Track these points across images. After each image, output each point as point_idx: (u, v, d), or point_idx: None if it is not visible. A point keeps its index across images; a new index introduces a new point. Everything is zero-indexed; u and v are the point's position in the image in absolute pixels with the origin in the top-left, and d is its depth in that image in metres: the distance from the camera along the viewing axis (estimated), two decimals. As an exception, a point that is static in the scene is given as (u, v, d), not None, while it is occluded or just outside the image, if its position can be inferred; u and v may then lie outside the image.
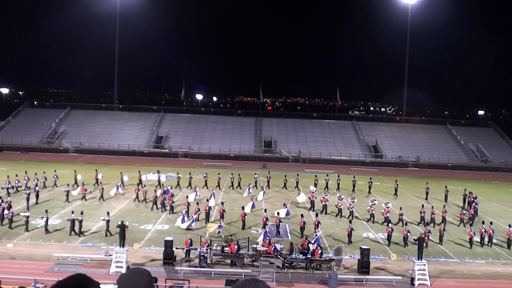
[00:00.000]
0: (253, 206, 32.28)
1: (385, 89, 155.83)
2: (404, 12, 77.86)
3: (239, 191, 39.50)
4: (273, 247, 22.43)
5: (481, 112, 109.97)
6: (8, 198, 29.49)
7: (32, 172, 38.15)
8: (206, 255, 22.02)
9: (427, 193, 40.01)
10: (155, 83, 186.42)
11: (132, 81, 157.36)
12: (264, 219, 27.76)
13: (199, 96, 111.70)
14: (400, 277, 21.58)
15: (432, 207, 32.28)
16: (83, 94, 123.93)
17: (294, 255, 22.54)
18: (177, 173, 41.15)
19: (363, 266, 21.59)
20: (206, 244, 22.51)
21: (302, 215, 28.37)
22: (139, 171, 40.92)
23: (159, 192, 33.44)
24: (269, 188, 40.85)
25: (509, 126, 79.93)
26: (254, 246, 23.13)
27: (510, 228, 26.80)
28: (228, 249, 22.33)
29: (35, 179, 36.04)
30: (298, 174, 43.37)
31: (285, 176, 43.06)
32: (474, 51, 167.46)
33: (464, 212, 33.32)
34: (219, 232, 26.11)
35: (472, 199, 35.38)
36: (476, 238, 27.23)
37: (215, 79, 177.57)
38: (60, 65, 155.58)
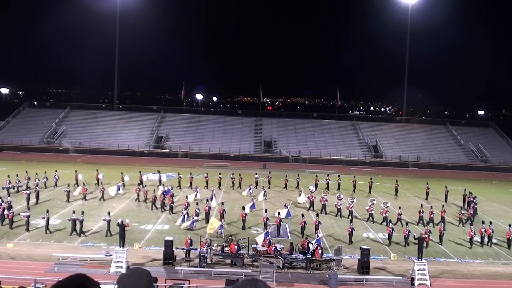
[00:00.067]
0: (253, 206, 32.27)
1: (385, 89, 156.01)
2: (404, 12, 77.92)
3: (239, 191, 39.48)
4: (273, 247, 22.44)
5: (481, 112, 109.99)
6: (8, 198, 29.48)
7: (33, 172, 38.16)
8: (206, 255, 22.02)
9: (427, 193, 40.01)
10: (155, 83, 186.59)
11: (132, 81, 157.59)
12: (265, 219, 27.77)
13: (199, 96, 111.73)
14: (400, 277, 21.58)
15: (431, 207, 32.28)
16: (83, 94, 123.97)
17: (294, 255, 22.54)
18: (178, 173, 41.18)
19: (363, 266, 21.59)
20: (206, 244, 22.52)
21: (302, 215, 28.39)
22: (140, 171, 40.96)
23: (160, 191, 33.50)
24: (269, 188, 40.88)
25: (509, 126, 79.90)
26: (254, 246, 23.13)
27: (510, 228, 26.81)
28: (228, 249, 22.34)
29: (36, 179, 36.05)
30: (298, 174, 43.38)
31: (286, 176, 43.08)
32: (474, 51, 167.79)
33: (463, 212, 33.32)
34: (220, 232, 26.08)
35: (472, 199, 35.39)
36: (476, 238, 27.24)
37: (215, 79, 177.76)
38: (60, 65, 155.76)
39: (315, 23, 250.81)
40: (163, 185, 35.20)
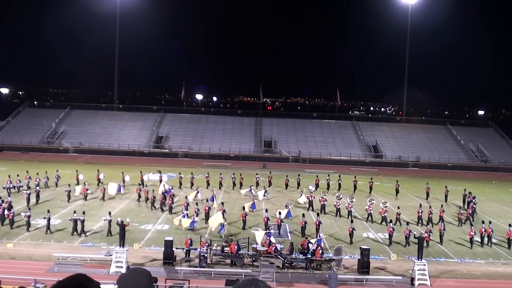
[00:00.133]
0: (253, 206, 32.29)
1: (385, 89, 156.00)
2: (404, 12, 77.91)
3: (240, 191, 39.43)
4: (274, 247, 22.44)
5: (481, 112, 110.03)
6: (9, 198, 29.46)
7: (34, 172, 38.16)
8: (206, 255, 22.02)
9: (427, 193, 40.00)
10: (155, 83, 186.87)
11: (132, 81, 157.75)
12: (265, 219, 27.76)
13: (199, 96, 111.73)
14: (400, 277, 21.58)
15: (430, 206, 32.29)
16: (83, 94, 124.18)
17: (294, 255, 22.54)
18: (179, 173, 41.18)
19: (363, 266, 21.59)
20: (206, 244, 22.52)
21: (303, 215, 28.41)
22: (140, 171, 40.98)
23: (160, 190, 33.54)
24: (270, 187, 40.88)
25: (509, 126, 79.94)
26: (254, 246, 23.14)
27: (510, 228, 26.81)
28: (228, 249, 22.34)
29: (37, 179, 36.04)
30: (299, 174, 43.38)
31: (287, 176, 43.10)
32: (474, 51, 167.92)
33: (461, 212, 33.30)
34: (222, 231, 26.02)
35: (471, 199, 35.41)
36: (477, 238, 27.24)
37: (215, 79, 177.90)
38: (60, 65, 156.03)
39: (315, 23, 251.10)
40: (164, 185, 35.26)
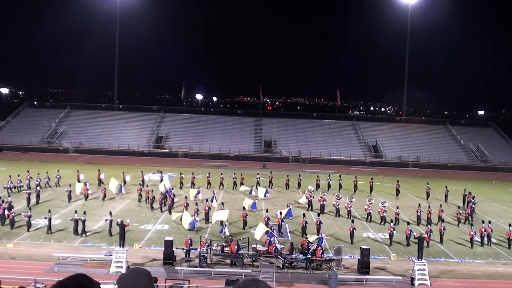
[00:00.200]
0: (254, 206, 32.30)
1: (385, 89, 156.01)
2: (404, 12, 77.90)
3: (241, 191, 39.42)
4: (274, 247, 22.44)
5: (481, 112, 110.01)
6: (9, 198, 29.45)
7: (34, 172, 38.16)
8: (206, 255, 22.02)
9: (427, 193, 40.00)
10: (155, 83, 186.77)
11: (132, 81, 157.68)
12: (266, 219, 27.73)
13: (199, 96, 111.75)
14: (400, 277, 21.58)
15: (429, 206, 32.30)
16: (83, 94, 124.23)
17: (294, 255, 22.54)
18: (180, 173, 41.18)
19: (363, 266, 21.59)
20: (206, 244, 22.52)
21: (304, 215, 28.41)
22: (141, 171, 40.98)
23: (161, 189, 33.54)
24: (271, 188, 40.91)
25: (509, 126, 79.95)
26: (254, 246, 23.14)
27: (510, 228, 26.81)
28: (228, 249, 22.34)
29: (38, 179, 36.03)
30: (300, 175, 43.37)
31: (287, 176, 43.10)
32: (474, 51, 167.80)
33: (460, 212, 33.31)
34: (224, 231, 26.02)
35: (470, 199, 35.43)
36: (477, 238, 27.24)
37: (215, 79, 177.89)
38: (60, 65, 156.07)
39: (315, 23, 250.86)
40: (165, 185, 35.30)
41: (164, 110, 77.50)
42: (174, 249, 22.00)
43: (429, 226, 27.39)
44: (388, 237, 26.97)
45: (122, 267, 20.37)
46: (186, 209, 28.93)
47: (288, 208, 30.76)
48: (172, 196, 32.43)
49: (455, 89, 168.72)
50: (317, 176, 43.43)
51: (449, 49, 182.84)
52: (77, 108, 75.37)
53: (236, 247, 22.17)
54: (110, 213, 26.53)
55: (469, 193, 36.96)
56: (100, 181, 38.41)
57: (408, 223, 28.02)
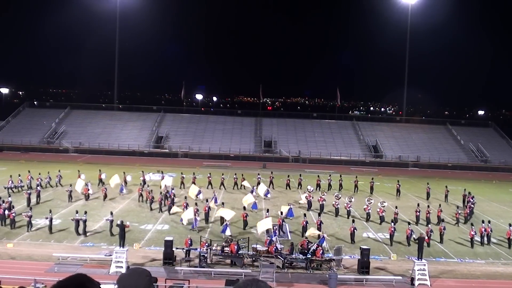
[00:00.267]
0: (255, 206, 32.27)
1: (385, 89, 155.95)
2: (404, 12, 77.88)
3: (242, 191, 39.40)
4: (274, 247, 22.44)
5: (481, 112, 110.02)
6: (9, 198, 29.46)
7: (35, 172, 38.15)
8: (206, 255, 22.03)
9: (428, 193, 40.00)
10: (155, 83, 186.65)
11: (132, 81, 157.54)
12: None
13: (199, 96, 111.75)
14: (400, 277, 21.58)
15: (428, 206, 32.30)
16: (83, 94, 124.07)
17: (294, 255, 22.54)
18: (181, 173, 41.17)
19: (363, 266, 21.60)
20: (206, 244, 22.52)
21: (304, 215, 28.42)
22: (142, 171, 40.96)
23: (162, 188, 33.53)
24: (273, 188, 40.90)
25: (509, 126, 79.99)
26: (254, 246, 23.14)
27: (510, 228, 26.81)
28: (228, 249, 22.34)
29: (39, 179, 36.02)
30: (300, 175, 43.34)
31: (288, 176, 43.09)
32: (474, 51, 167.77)
33: (459, 212, 33.31)
34: (226, 231, 25.97)
35: (470, 199, 35.43)
36: (477, 238, 27.24)
37: (215, 79, 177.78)
38: (60, 65, 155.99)
39: (315, 23, 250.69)
40: (165, 184, 35.25)
41: (164, 110, 77.49)
42: (174, 249, 22.01)
43: (429, 226, 27.41)
44: (388, 237, 26.97)
45: (122, 267, 20.38)
46: (186, 209, 28.90)
47: (289, 207, 30.76)
48: (172, 196, 32.41)
49: (455, 89, 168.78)
50: (318, 176, 43.43)
51: (449, 49, 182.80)
52: (77, 108, 75.36)
53: (236, 247, 22.18)
54: (111, 213, 26.53)
55: (469, 193, 36.97)
56: (101, 181, 38.38)
57: (409, 223, 28.04)
